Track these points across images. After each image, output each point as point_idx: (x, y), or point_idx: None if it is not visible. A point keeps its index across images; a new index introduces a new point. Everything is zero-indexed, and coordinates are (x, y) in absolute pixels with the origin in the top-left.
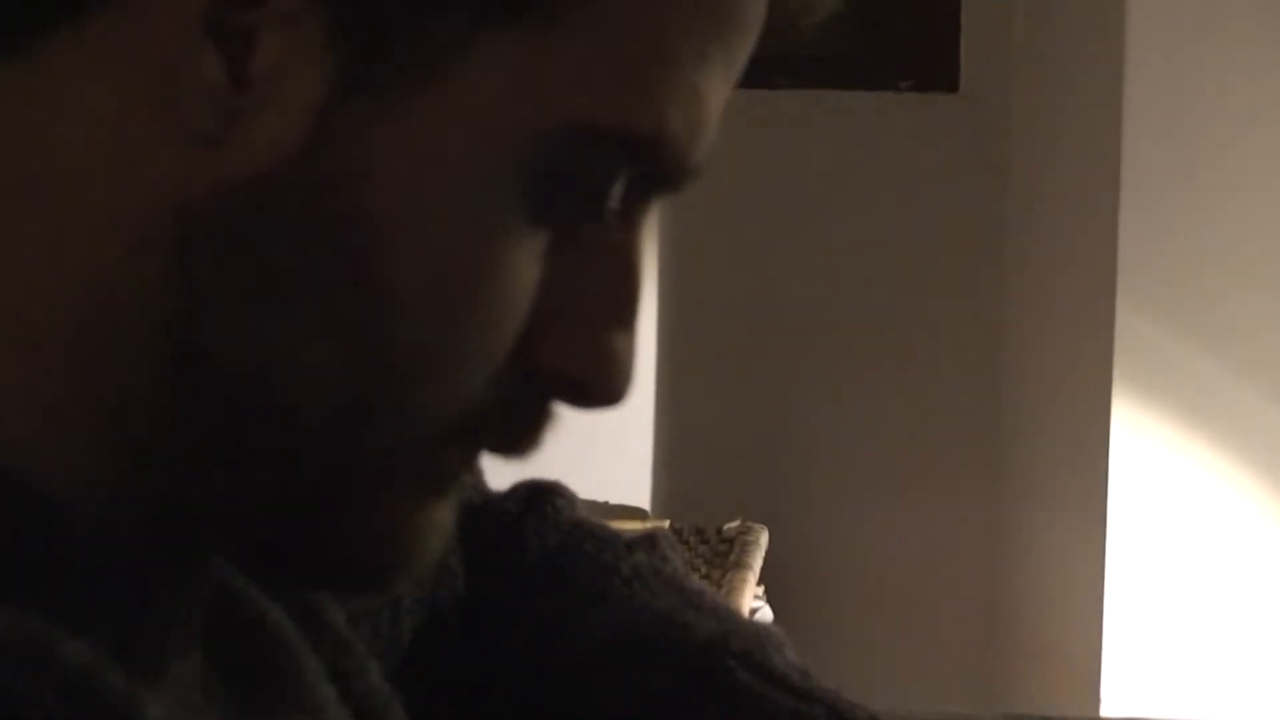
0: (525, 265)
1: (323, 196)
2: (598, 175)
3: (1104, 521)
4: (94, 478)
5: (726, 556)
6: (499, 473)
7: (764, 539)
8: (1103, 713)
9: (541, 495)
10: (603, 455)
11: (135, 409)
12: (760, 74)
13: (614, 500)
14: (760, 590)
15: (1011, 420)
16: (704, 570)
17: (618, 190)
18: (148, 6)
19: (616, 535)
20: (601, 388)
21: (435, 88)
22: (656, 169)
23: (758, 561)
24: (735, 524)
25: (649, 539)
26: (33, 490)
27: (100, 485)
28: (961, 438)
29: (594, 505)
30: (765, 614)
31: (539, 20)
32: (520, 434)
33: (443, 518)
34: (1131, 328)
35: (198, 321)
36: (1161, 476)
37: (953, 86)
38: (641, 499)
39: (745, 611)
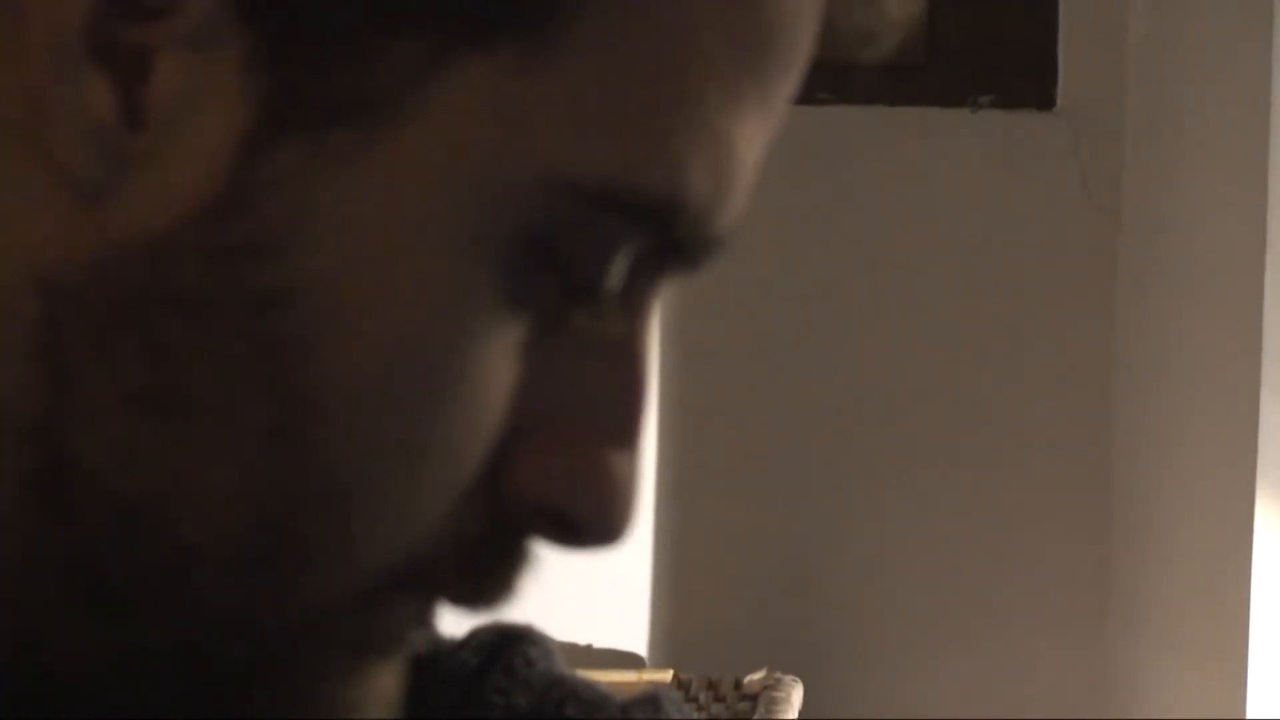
0: (500, 363)
1: (236, 267)
2: (595, 246)
3: (1245, 670)
4: None
5: (749, 719)
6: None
7: (797, 695)
8: None
9: (509, 643)
10: (587, 586)
11: None
12: (801, 85)
13: (602, 644)
14: None
15: (1126, 540)
16: None
17: (620, 266)
18: (12, 16)
19: (607, 696)
20: (594, 523)
21: (386, 129)
22: (671, 238)
23: None
24: (759, 675)
25: (650, 699)
26: None
27: None
28: (1062, 564)
29: (576, 651)
30: None
31: (521, 43)
32: (488, 580)
33: (384, 686)
34: None
35: (64, 428)
36: None
37: (1048, 103)
38: (637, 643)
39: None
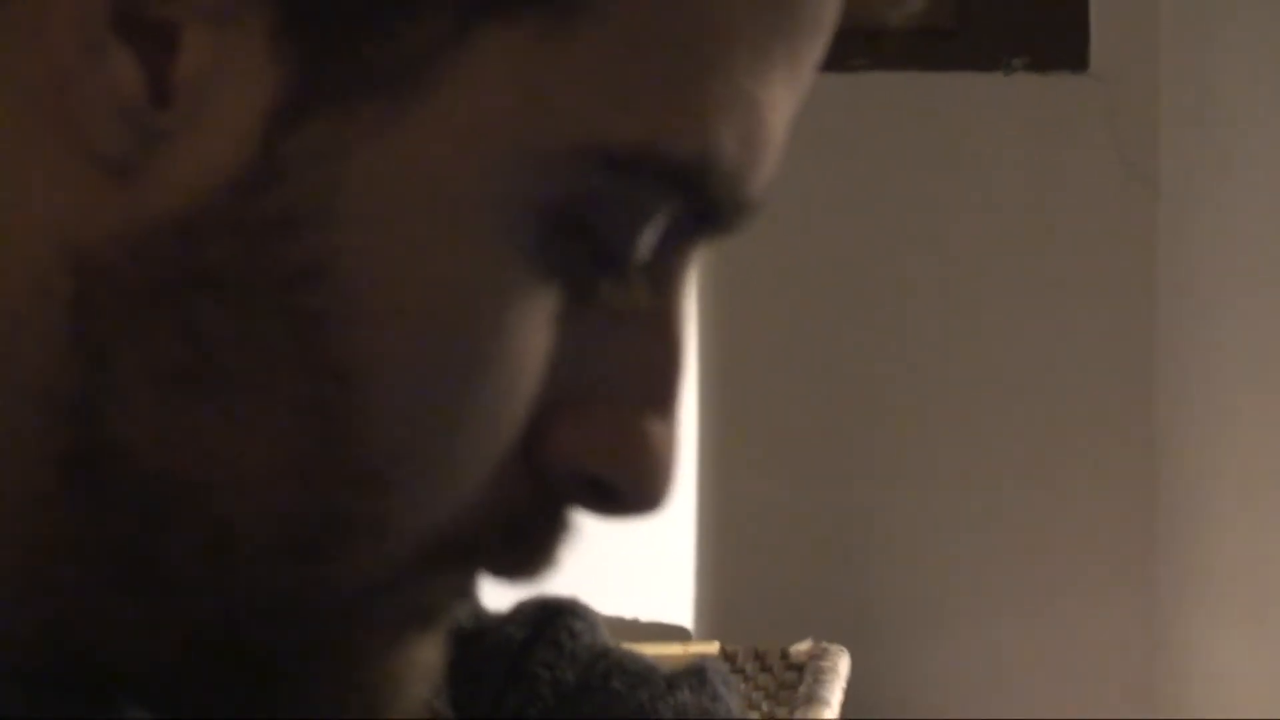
0: (534, 332)
1: (268, 243)
2: (626, 214)
3: None
4: None
5: (795, 689)
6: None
7: (844, 665)
8: None
9: (554, 617)
10: (632, 559)
11: (19, 523)
12: (832, 52)
13: (647, 618)
14: None
15: (1172, 502)
16: (766, 707)
17: (652, 234)
18: None
19: (653, 667)
20: (635, 490)
21: (415, 100)
22: (703, 204)
23: (836, 695)
24: (805, 646)
25: (696, 671)
26: None
27: None
28: (1109, 528)
29: (622, 625)
30: None
31: (547, 11)
32: (529, 551)
33: (428, 657)
34: None
35: (103, 406)
36: None
37: (1081, 64)
38: (683, 615)
39: None
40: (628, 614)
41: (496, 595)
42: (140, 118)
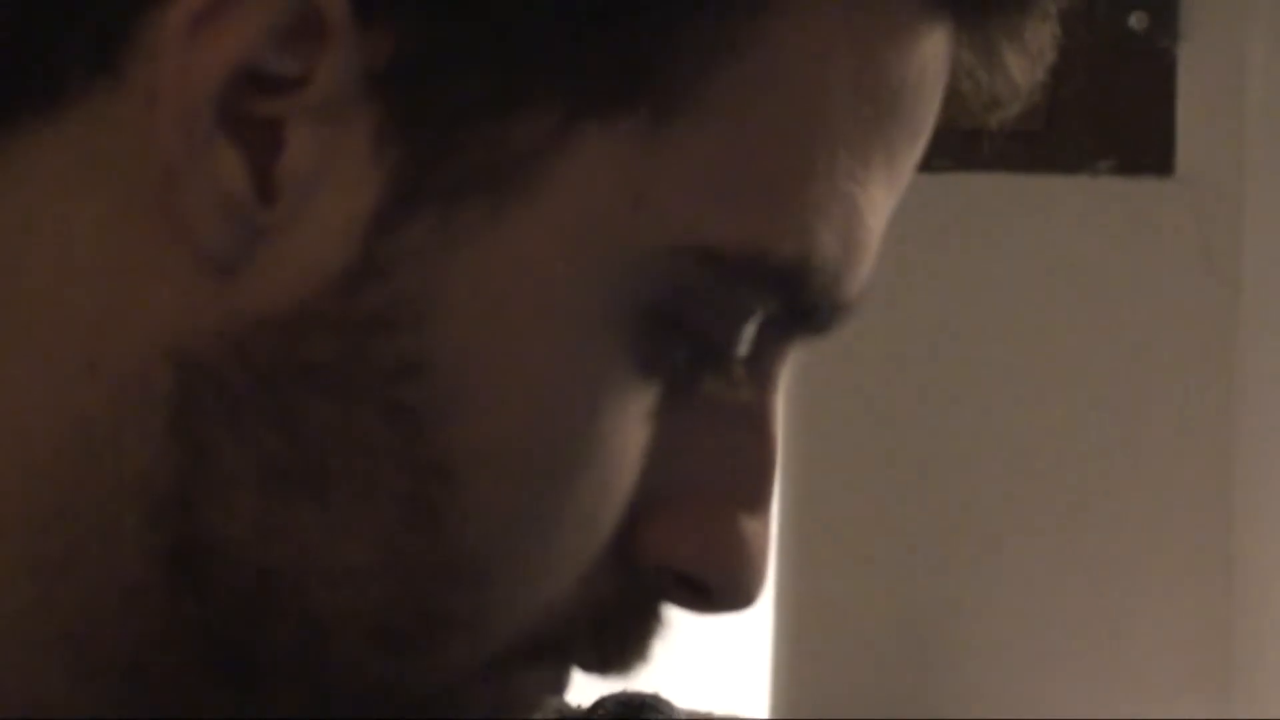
0: (633, 429)
1: (369, 340)
2: (725, 314)
3: None
4: (64, 707)
5: None
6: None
7: None
8: None
9: (636, 712)
10: (709, 652)
11: (117, 619)
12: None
13: (723, 710)
14: None
15: (1245, 611)
16: None
17: (749, 332)
18: (145, 89)
19: None
20: (728, 588)
21: (517, 201)
22: (800, 305)
23: None
24: None
25: None
26: None
27: (73, 716)
28: (1184, 627)
29: (697, 718)
30: None
31: (651, 111)
32: (620, 646)
33: None
34: None
35: (201, 503)
36: None
37: (1167, 168)
38: (759, 706)
39: None
40: (702, 706)
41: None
42: (245, 215)
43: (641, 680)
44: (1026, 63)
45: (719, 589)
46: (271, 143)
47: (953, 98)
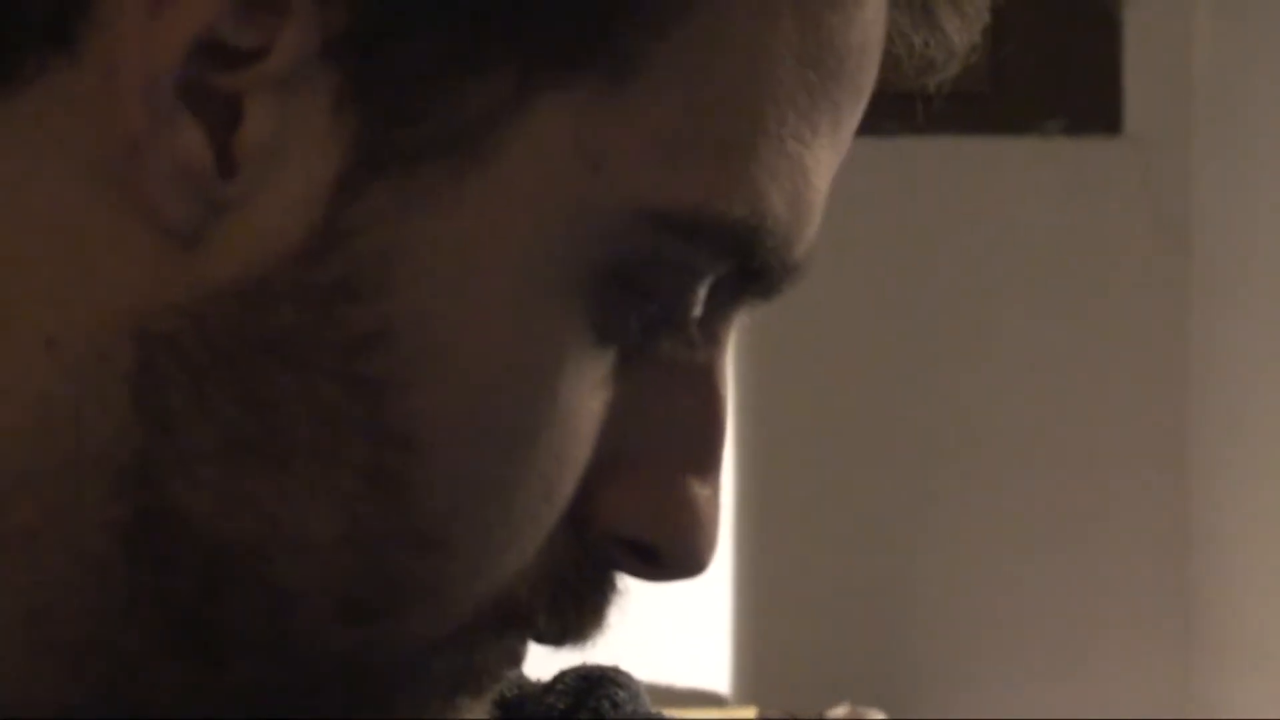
0: (589, 396)
1: (331, 309)
2: (679, 276)
3: None
4: (24, 681)
5: None
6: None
7: None
8: None
9: (595, 686)
10: (667, 624)
11: (78, 592)
12: (863, 116)
13: (683, 683)
14: None
15: (1205, 562)
16: None
17: (702, 294)
18: (104, 63)
19: None
20: (678, 554)
21: (475, 166)
22: (751, 266)
23: None
24: (842, 710)
25: None
26: None
27: (32, 691)
28: (1143, 587)
29: (655, 691)
30: None
31: (604, 77)
32: (578, 614)
33: None
34: None
35: (162, 476)
36: None
37: (1115, 127)
38: (719, 680)
39: None
40: (662, 680)
41: (539, 662)
42: (206, 187)
43: (601, 653)
44: (963, 24)
45: (670, 555)
46: (231, 115)
47: (888, 60)
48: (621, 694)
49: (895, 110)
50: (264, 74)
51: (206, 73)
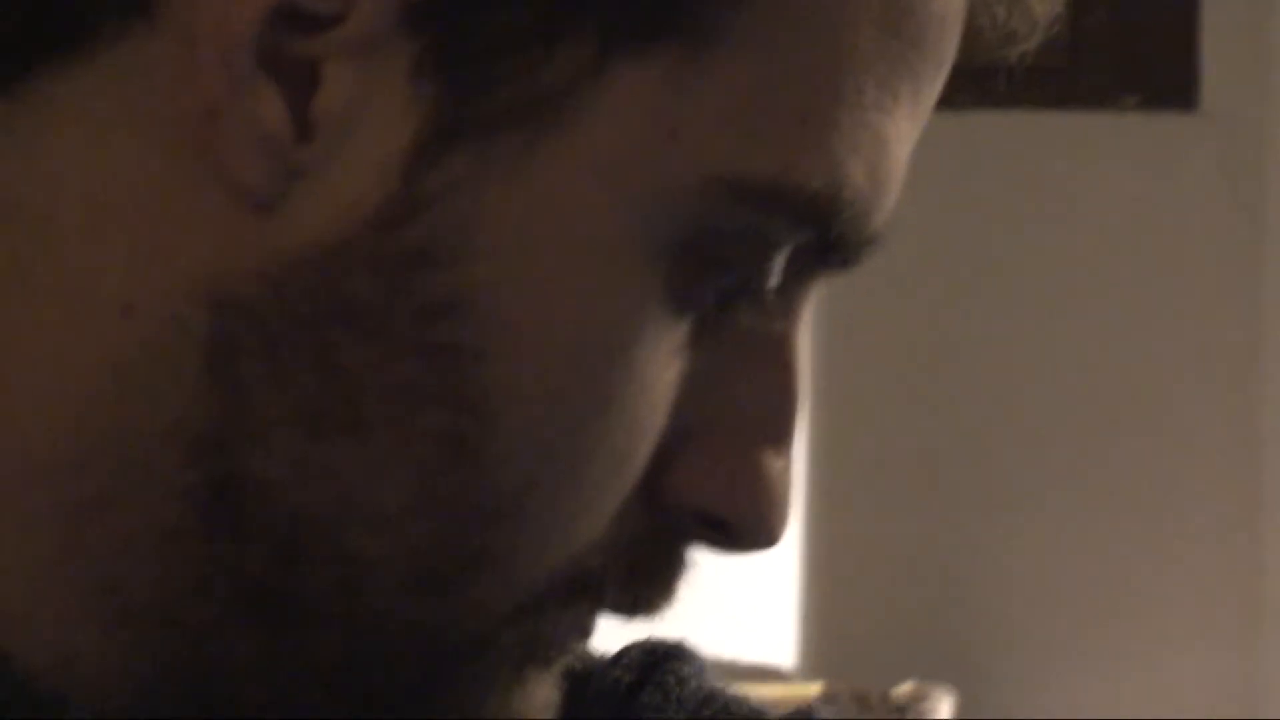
0: (663, 366)
1: (407, 277)
2: (755, 247)
3: None
4: (96, 655)
5: None
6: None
7: (946, 706)
8: None
9: (661, 660)
10: (732, 599)
11: (151, 561)
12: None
13: (747, 658)
14: None
15: (1276, 547)
16: None
17: (778, 265)
18: (182, 31)
19: (761, 712)
20: (754, 527)
21: (553, 134)
22: (829, 237)
23: None
24: (908, 687)
25: (803, 715)
26: (14, 674)
27: (104, 664)
28: (1212, 568)
29: (720, 665)
30: None
31: (683, 46)
32: (648, 586)
33: (546, 695)
34: None
35: (238, 444)
36: None
37: (1191, 103)
38: (783, 655)
39: None
40: (726, 655)
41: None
42: (283, 152)
43: (667, 627)
44: None
45: (742, 528)
46: (309, 81)
47: (969, 33)
48: (686, 669)
49: (970, 84)
50: (342, 40)
51: (284, 39)
